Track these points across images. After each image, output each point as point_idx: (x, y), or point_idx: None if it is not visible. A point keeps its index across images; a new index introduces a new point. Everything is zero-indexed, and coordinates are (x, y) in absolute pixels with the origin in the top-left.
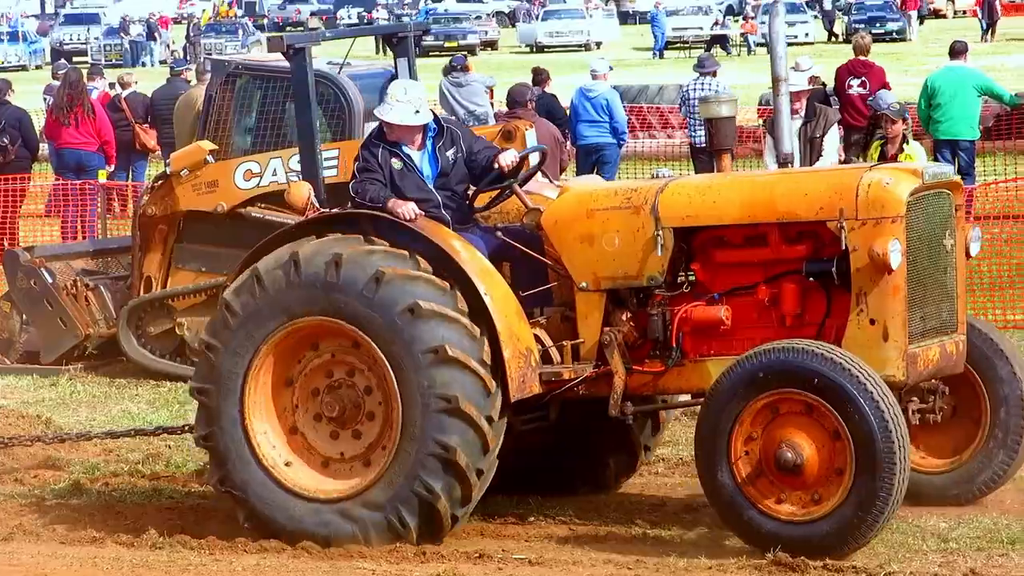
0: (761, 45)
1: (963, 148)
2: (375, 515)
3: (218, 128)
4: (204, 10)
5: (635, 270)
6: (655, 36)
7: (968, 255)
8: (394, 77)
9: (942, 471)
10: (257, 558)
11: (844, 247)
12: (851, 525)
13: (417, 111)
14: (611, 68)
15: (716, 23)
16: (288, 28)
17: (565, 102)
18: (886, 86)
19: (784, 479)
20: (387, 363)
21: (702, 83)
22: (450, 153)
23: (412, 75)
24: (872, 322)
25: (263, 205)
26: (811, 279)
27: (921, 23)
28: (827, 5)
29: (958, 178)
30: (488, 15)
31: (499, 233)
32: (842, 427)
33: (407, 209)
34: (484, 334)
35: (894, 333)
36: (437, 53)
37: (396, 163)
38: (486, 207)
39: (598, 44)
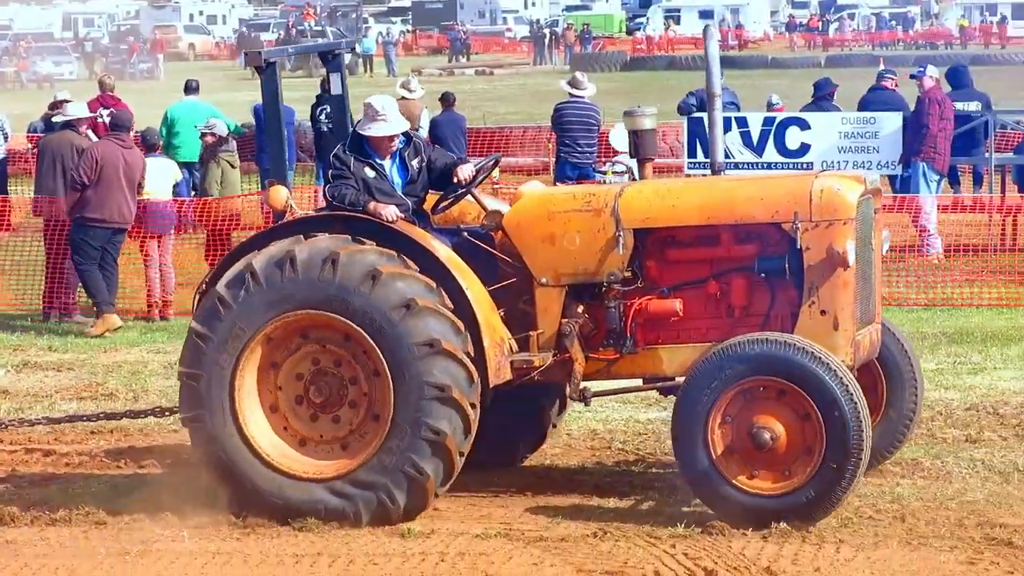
0: (33, 81)
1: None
2: (366, 493)
3: None
4: None
5: (595, 267)
6: None
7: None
8: None
9: None
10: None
11: (797, 246)
12: (817, 498)
13: (395, 122)
14: None
15: None
16: None
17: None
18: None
19: (757, 457)
20: (380, 354)
21: None
22: (415, 162)
23: (343, 87)
24: (823, 312)
25: None
26: (761, 275)
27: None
28: (88, 49)
29: (880, 185)
30: None
31: (465, 234)
32: (814, 410)
33: (389, 211)
34: (467, 328)
35: (844, 322)
36: None
37: (369, 172)
38: (436, 210)
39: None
